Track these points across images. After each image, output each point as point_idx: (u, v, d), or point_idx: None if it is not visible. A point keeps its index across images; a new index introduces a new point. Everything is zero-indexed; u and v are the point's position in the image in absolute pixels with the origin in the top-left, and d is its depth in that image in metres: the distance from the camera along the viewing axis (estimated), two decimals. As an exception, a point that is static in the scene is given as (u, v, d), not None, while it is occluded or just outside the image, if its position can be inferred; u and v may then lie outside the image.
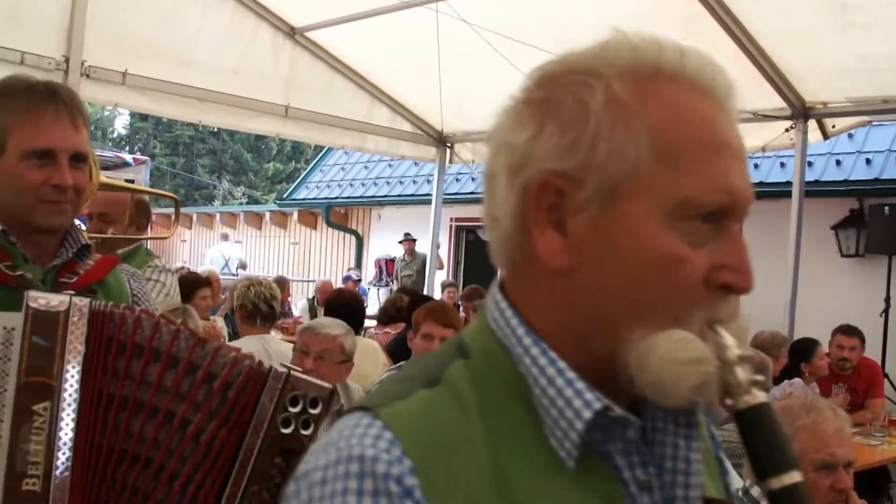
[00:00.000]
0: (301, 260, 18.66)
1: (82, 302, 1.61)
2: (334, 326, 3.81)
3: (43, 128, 1.78)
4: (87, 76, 5.80)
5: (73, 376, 1.56)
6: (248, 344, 4.25)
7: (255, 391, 1.62)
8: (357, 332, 5.42)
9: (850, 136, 9.92)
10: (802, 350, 6.00)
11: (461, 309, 9.14)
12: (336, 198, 17.08)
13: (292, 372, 1.65)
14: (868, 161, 10.27)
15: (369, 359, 5.14)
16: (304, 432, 1.63)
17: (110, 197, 3.82)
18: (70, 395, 1.55)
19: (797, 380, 5.62)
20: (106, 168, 18.76)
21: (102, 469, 1.59)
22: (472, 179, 13.04)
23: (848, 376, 6.38)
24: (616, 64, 0.86)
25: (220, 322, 6.66)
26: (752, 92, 6.37)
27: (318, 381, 1.69)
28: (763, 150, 6.98)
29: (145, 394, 1.60)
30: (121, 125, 39.03)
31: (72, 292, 1.66)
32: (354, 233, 17.56)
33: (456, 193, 14.01)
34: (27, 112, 1.78)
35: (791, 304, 6.57)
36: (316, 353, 3.65)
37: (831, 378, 6.36)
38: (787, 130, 6.61)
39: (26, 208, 1.78)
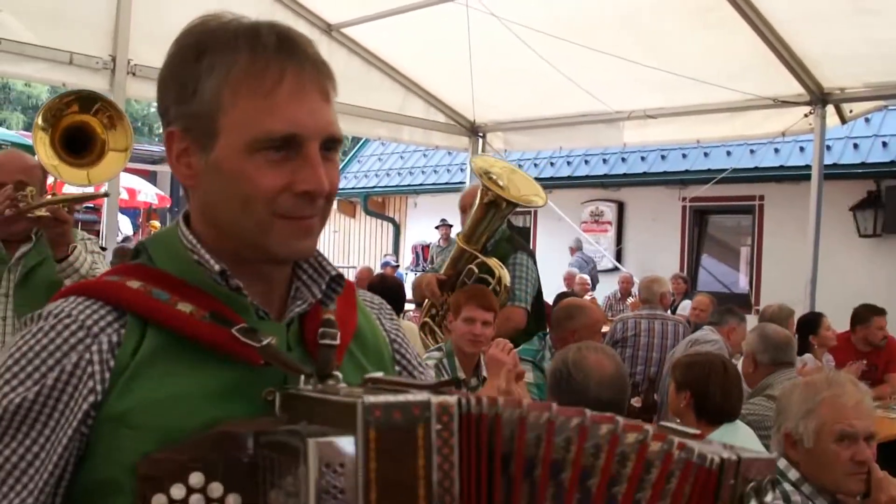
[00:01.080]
0: (341, 247, 19.01)
1: (447, 402, 0.95)
2: None
3: (280, 100, 1.07)
4: (134, 74, 6.13)
5: None
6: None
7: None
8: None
9: (867, 120, 10.09)
10: (809, 325, 6.18)
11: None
12: (374, 187, 17.36)
13: (742, 457, 0.99)
14: (885, 144, 10.39)
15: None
16: None
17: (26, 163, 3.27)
18: None
19: (808, 355, 5.80)
20: (154, 163, 19.31)
21: None
22: (505, 167, 13.23)
23: (867, 353, 6.56)
24: None
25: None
26: (772, 79, 6.58)
27: (766, 455, 1.06)
28: (783, 134, 7.21)
29: None
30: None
31: (424, 383, 1.05)
32: (392, 220, 17.88)
33: (489, 181, 14.23)
34: (252, 74, 1.08)
35: (811, 283, 6.80)
36: None
37: (853, 355, 6.53)
38: (806, 116, 6.82)
39: (256, 229, 1.09)
